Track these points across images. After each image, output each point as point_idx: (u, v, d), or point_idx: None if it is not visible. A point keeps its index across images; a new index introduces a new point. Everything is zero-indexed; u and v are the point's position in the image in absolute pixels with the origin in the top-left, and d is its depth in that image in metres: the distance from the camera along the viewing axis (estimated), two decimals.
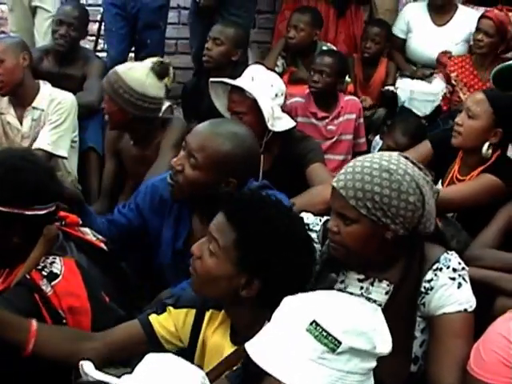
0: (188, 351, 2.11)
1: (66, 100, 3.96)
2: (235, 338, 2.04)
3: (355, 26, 5.32)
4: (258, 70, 3.52)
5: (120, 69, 3.43)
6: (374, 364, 1.67)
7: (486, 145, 3.26)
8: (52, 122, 3.90)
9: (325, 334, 1.61)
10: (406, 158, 2.19)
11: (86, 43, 5.26)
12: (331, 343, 1.61)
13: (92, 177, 4.08)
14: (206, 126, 2.59)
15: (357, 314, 1.68)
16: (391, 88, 4.87)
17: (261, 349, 1.66)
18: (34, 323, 2.10)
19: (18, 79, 3.88)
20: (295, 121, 3.80)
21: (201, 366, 1.98)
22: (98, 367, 1.67)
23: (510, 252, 2.95)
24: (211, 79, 3.57)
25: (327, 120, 4.28)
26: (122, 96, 3.35)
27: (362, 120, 4.38)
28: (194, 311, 2.15)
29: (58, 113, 3.91)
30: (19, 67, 3.87)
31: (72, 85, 4.39)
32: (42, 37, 5.01)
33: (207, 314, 2.14)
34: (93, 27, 5.32)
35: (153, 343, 2.13)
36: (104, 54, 5.16)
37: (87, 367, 1.65)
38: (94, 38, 5.36)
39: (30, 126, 3.94)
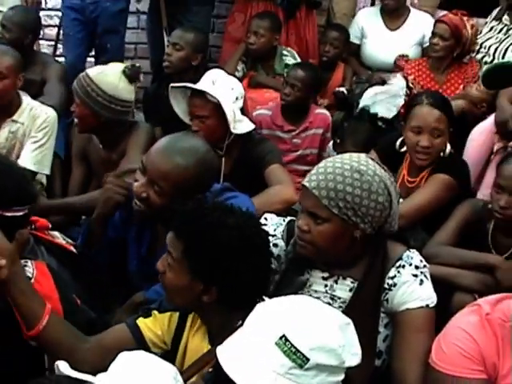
0: (170, 354, 2.14)
1: (50, 117, 3.90)
2: (212, 339, 2.08)
3: (307, 29, 5.36)
4: (218, 74, 3.55)
5: (92, 73, 3.45)
6: (342, 377, 1.69)
7: (448, 146, 3.37)
8: (37, 141, 3.84)
9: (293, 350, 1.62)
10: (372, 159, 2.27)
11: (46, 48, 5.26)
12: (299, 359, 1.62)
13: (56, 181, 4.02)
14: (162, 151, 2.52)
15: (327, 330, 1.67)
16: (341, 89, 4.93)
17: (230, 356, 1.67)
18: (48, 304, 2.10)
19: (10, 98, 3.85)
20: (260, 133, 3.87)
21: (180, 369, 2.01)
22: (92, 372, 1.67)
23: (466, 249, 3.06)
24: (172, 84, 3.60)
25: (293, 133, 4.34)
26: (95, 99, 3.38)
27: (329, 134, 4.42)
28: (177, 314, 2.19)
29: (43, 132, 3.86)
30: (15, 87, 3.86)
31: (32, 89, 4.33)
32: None
33: (189, 317, 2.18)
34: (52, 32, 5.32)
35: (141, 347, 2.12)
36: (63, 59, 5.15)
37: (63, 366, 1.65)
38: (53, 42, 5.34)
39: (6, 138, 3.88)
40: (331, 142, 4.48)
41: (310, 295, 2.26)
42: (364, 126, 4.42)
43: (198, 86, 3.46)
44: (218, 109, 3.38)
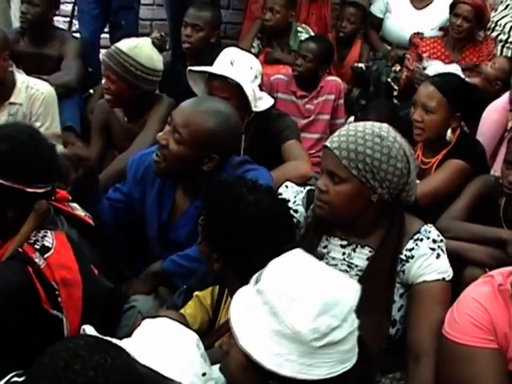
0: (210, 325, 2.22)
1: (47, 96, 3.90)
2: None
3: (325, 7, 5.37)
4: (236, 54, 3.55)
5: (125, 48, 3.45)
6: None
7: (449, 131, 3.40)
8: (41, 125, 3.82)
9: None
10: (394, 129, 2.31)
11: (61, 24, 5.28)
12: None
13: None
14: (191, 103, 2.66)
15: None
16: (360, 64, 4.94)
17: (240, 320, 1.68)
18: None
19: (0, 79, 3.79)
20: (275, 97, 3.90)
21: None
22: None
23: (478, 224, 3.08)
24: (190, 68, 3.58)
25: (306, 99, 4.39)
26: (134, 73, 3.40)
27: (341, 101, 4.48)
28: (217, 287, 2.27)
29: (44, 114, 3.88)
30: (3, 68, 3.79)
31: (49, 65, 4.42)
32: (17, 17, 5.00)
33: (226, 290, 2.24)
34: (67, 8, 5.34)
35: None
36: (78, 35, 5.17)
37: (89, 330, 1.71)
38: (68, 18, 5.36)
39: (6, 121, 3.76)
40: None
41: (328, 262, 2.31)
42: (387, 100, 4.47)
43: (217, 69, 3.46)
44: (238, 89, 3.39)
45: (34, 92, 3.89)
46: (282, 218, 2.15)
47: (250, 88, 3.42)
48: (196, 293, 2.28)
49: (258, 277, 1.66)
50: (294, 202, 2.46)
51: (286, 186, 2.54)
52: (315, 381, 1.60)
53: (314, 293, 1.60)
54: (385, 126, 2.30)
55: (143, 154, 2.88)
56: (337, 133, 2.30)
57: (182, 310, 2.29)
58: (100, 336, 1.63)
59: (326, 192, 2.26)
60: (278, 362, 1.58)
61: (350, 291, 1.65)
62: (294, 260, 1.68)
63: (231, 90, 3.39)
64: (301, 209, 2.44)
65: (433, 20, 5.14)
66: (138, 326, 1.82)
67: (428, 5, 5.24)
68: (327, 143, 2.27)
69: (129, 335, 1.80)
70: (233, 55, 3.52)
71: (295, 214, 2.41)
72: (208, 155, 2.59)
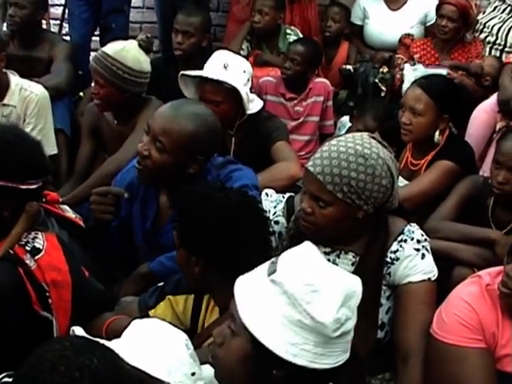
0: (190, 333, 2.16)
1: (41, 98, 3.90)
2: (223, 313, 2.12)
3: (309, 9, 5.36)
4: (228, 57, 3.55)
5: (111, 51, 3.45)
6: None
7: (437, 133, 3.42)
8: (35, 127, 3.84)
9: None
10: (373, 138, 2.30)
11: (51, 27, 5.27)
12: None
13: (61, 158, 4.08)
14: (166, 110, 2.64)
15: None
16: (348, 66, 4.95)
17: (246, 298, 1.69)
18: None
19: None
20: (264, 99, 3.92)
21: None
22: None
23: (466, 224, 3.10)
24: (183, 72, 3.57)
25: (295, 101, 4.41)
26: (121, 77, 3.40)
27: (330, 103, 4.51)
28: (192, 296, 2.25)
29: (38, 116, 3.88)
30: None
31: (39, 67, 4.41)
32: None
33: (205, 298, 2.24)
34: (57, 11, 5.33)
35: None
36: (68, 38, 5.17)
37: (78, 331, 1.72)
38: (58, 21, 5.35)
39: None
40: (345, 117, 4.52)
41: None
42: (382, 101, 4.50)
43: (211, 73, 3.46)
44: (231, 93, 3.40)
45: (28, 94, 3.89)
46: (253, 208, 2.16)
47: (244, 91, 3.44)
48: (169, 296, 2.28)
49: (271, 268, 1.66)
50: (275, 213, 2.47)
51: (266, 194, 2.54)
52: (317, 372, 1.62)
53: (336, 284, 1.63)
54: (366, 139, 2.26)
55: (123, 172, 2.89)
56: (318, 154, 2.25)
57: (152, 310, 2.28)
58: (89, 337, 1.63)
59: (311, 214, 2.25)
60: (294, 351, 1.60)
61: (359, 284, 1.69)
62: (310, 252, 1.70)
63: (224, 93, 3.41)
64: (282, 220, 2.45)
65: (410, 19, 5.17)
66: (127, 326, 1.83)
67: (403, 4, 5.26)
68: (309, 167, 2.23)
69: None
70: (226, 59, 3.52)
71: (276, 226, 2.43)
72: (192, 158, 2.59)
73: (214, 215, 2.07)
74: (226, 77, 3.41)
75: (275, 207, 2.48)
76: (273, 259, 1.69)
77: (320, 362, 1.61)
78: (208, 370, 1.81)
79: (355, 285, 1.67)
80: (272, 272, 1.65)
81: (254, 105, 3.52)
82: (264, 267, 1.69)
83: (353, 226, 2.29)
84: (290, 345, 1.60)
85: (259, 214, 2.19)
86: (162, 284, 2.33)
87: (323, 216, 2.23)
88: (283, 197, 2.53)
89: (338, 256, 2.36)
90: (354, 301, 1.66)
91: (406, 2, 5.25)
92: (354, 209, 2.22)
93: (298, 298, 1.60)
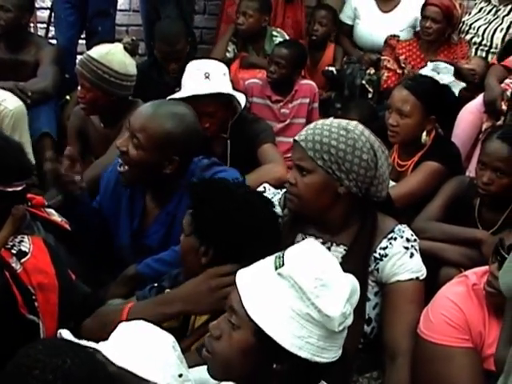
0: (180, 331, 2.18)
1: (16, 113, 3.87)
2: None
3: (300, 11, 5.40)
4: (206, 66, 3.53)
5: (96, 55, 3.45)
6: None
7: (424, 134, 3.43)
8: None
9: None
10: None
11: (38, 31, 5.26)
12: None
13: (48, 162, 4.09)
14: (147, 107, 2.68)
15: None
16: (331, 68, 4.96)
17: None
18: None
19: None
20: (251, 101, 3.95)
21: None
22: None
23: (453, 225, 3.11)
24: (172, 96, 3.46)
25: (281, 103, 4.42)
26: (108, 80, 3.40)
27: (316, 105, 4.52)
28: None
29: (12, 128, 3.84)
30: None
31: (25, 71, 4.38)
32: None
33: None
34: (44, 14, 5.32)
35: None
36: (55, 42, 5.16)
37: (65, 334, 1.71)
38: (45, 25, 5.34)
39: None
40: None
41: None
42: (367, 102, 4.51)
43: (198, 88, 3.41)
44: (219, 99, 3.41)
45: (2, 109, 3.87)
46: (270, 208, 2.23)
47: (231, 92, 3.46)
48: (167, 290, 2.28)
49: (278, 261, 1.67)
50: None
51: (264, 188, 2.56)
52: (314, 368, 1.64)
53: (343, 279, 1.66)
54: (353, 122, 2.34)
55: (110, 171, 2.89)
56: (306, 127, 2.35)
57: None
58: (69, 339, 1.64)
59: (294, 185, 2.30)
60: (300, 344, 1.61)
61: (357, 281, 1.72)
62: (316, 247, 1.72)
63: (215, 103, 3.40)
64: (278, 209, 2.47)
65: (401, 22, 5.18)
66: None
67: (395, 7, 5.27)
68: (295, 137, 2.32)
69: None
70: (204, 68, 3.50)
71: None
72: (168, 158, 2.59)
73: (241, 210, 2.11)
74: (213, 87, 3.42)
75: (272, 198, 2.50)
76: (278, 253, 1.70)
77: (321, 355, 1.63)
78: (195, 373, 1.81)
79: (356, 281, 1.70)
80: (279, 266, 1.66)
81: (241, 98, 3.53)
82: (267, 261, 1.70)
83: (336, 204, 2.31)
84: (295, 337, 1.61)
85: (275, 214, 2.28)
86: (159, 285, 2.34)
87: (305, 186, 2.28)
88: (281, 190, 2.56)
89: (329, 248, 2.35)
90: (356, 297, 1.69)
91: (397, 5, 5.26)
92: (336, 181, 2.26)
93: (307, 291, 1.61)
